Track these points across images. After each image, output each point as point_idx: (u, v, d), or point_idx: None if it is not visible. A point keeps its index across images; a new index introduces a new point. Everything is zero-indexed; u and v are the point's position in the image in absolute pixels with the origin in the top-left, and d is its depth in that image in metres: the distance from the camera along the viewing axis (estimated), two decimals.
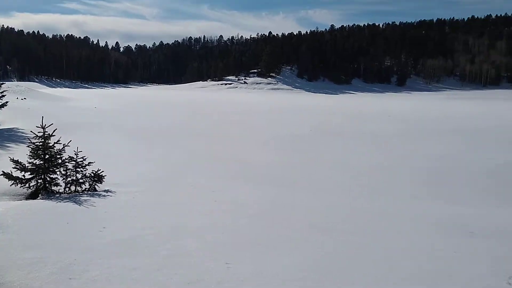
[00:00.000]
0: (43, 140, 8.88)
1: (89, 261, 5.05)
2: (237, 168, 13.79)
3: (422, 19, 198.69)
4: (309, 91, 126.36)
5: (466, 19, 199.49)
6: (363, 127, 27.80)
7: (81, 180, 9.15)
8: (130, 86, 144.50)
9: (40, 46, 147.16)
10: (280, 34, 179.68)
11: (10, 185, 8.64)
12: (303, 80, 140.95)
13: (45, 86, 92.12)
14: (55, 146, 9.00)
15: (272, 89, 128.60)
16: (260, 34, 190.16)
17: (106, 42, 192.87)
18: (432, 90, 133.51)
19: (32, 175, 8.84)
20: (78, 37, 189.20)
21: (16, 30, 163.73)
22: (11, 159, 8.72)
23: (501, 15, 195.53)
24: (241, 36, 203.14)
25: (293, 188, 11.10)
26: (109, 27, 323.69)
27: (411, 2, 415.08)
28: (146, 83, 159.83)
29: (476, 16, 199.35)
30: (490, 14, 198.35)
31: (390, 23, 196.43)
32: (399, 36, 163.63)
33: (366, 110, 47.93)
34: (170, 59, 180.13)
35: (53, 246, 5.51)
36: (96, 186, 9.23)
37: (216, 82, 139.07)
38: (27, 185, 8.78)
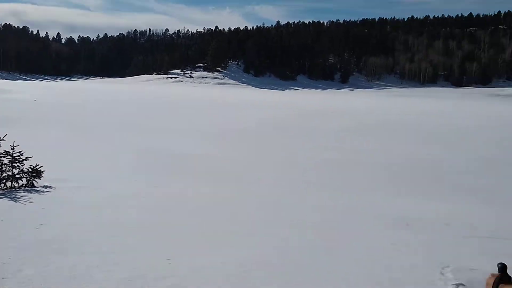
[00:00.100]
0: None
1: (24, 260, 4.85)
2: (181, 162, 13.64)
3: (365, 18, 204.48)
4: (255, 86, 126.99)
5: (406, 19, 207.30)
6: (308, 123, 28.27)
7: (17, 176, 8.78)
8: (72, 79, 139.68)
9: None
10: (226, 29, 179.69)
11: None
12: (250, 75, 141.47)
13: None
14: None
15: (219, 83, 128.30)
16: (206, 28, 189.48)
17: (46, 32, 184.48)
18: (374, 87, 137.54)
19: None
20: (16, 26, 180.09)
21: None
22: None
23: (438, 16, 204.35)
24: (188, 30, 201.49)
25: (238, 183, 11.12)
26: (50, 17, 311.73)
27: (354, 1, 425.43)
28: (90, 76, 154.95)
29: (415, 17, 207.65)
30: (429, 15, 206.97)
31: (334, 21, 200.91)
32: (342, 34, 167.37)
33: (311, 106, 48.77)
34: (115, 52, 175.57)
35: None
36: (34, 181, 8.87)
37: (161, 75, 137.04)
38: None
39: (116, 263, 4.94)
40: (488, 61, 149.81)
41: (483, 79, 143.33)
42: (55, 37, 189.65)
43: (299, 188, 10.84)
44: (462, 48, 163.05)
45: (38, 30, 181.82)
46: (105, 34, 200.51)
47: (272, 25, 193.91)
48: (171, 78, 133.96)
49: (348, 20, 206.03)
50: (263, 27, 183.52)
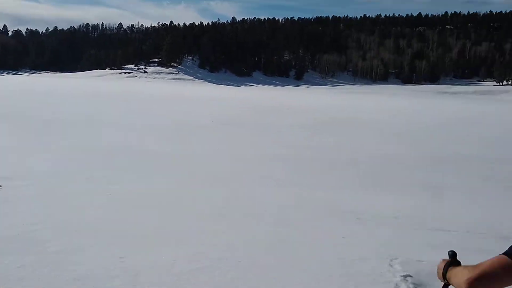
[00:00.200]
0: None
1: None
2: (134, 158, 13.43)
3: (319, 16, 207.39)
4: (211, 82, 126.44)
5: (359, 17, 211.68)
6: (264, 119, 28.41)
7: None
8: (20, 73, 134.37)
9: None
10: (181, 24, 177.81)
11: None
12: (205, 71, 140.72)
13: None
14: None
15: (174, 79, 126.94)
16: (161, 23, 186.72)
17: None
18: (328, 85, 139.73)
19: None
20: None
21: None
22: None
23: (389, 15, 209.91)
24: (142, 25, 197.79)
25: (193, 179, 11.07)
26: None
27: None
28: (39, 71, 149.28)
29: (368, 15, 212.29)
30: (380, 14, 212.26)
31: (289, 18, 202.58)
32: (297, 32, 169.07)
33: (266, 102, 49.04)
34: (65, 45, 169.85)
35: None
36: None
37: (114, 71, 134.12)
38: None
39: (66, 263, 4.83)
40: (436, 59, 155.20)
41: (432, 77, 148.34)
42: (1, 29, 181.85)
43: (253, 183, 10.91)
44: (412, 46, 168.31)
45: None
46: (55, 27, 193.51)
47: (227, 21, 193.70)
48: (125, 73, 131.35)
49: (302, 17, 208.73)
50: (219, 23, 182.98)
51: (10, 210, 6.91)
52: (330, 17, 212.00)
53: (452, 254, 1.94)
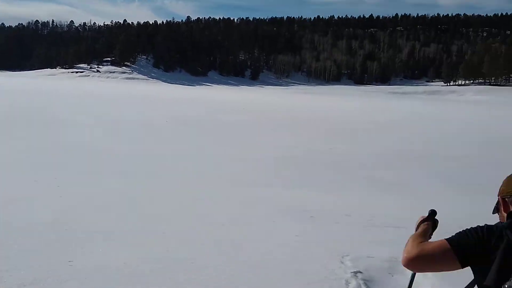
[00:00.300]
0: None
1: None
2: (88, 159, 13.13)
3: (274, 16, 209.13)
4: (165, 81, 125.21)
5: (312, 18, 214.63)
6: (219, 118, 28.41)
7: None
8: None
9: None
10: (135, 23, 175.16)
11: None
12: (160, 71, 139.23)
13: None
14: None
15: (127, 78, 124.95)
16: (114, 21, 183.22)
17: None
18: (283, 85, 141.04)
19: None
20: None
21: None
22: None
23: (342, 16, 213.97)
24: (94, 23, 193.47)
25: (146, 179, 10.94)
26: None
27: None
28: None
29: (321, 16, 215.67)
30: (333, 15, 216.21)
31: (244, 18, 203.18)
32: (252, 32, 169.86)
33: (222, 101, 49.00)
34: (14, 43, 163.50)
35: None
36: None
37: (66, 70, 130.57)
38: None
39: (11, 268, 4.68)
40: (387, 60, 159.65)
41: (383, 78, 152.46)
42: None
43: (208, 183, 10.89)
44: (363, 48, 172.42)
45: None
46: (2, 23, 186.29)
47: (182, 20, 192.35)
48: (77, 72, 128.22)
49: (257, 18, 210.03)
50: (173, 22, 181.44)
51: None
52: (285, 18, 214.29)
53: (432, 212, 2.18)
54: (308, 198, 9.81)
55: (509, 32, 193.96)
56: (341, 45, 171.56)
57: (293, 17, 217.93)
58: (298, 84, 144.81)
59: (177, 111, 32.69)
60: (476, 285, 1.85)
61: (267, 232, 6.77)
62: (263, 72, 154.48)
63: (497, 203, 1.96)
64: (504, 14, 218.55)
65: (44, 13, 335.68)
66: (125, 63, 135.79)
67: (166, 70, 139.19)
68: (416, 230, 2.12)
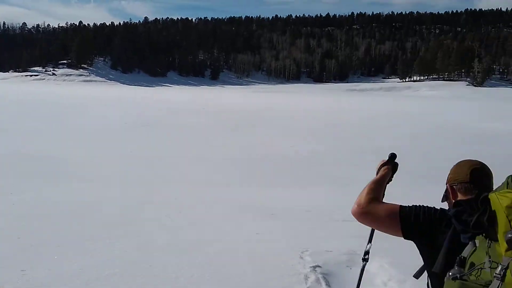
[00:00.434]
0: None
1: None
2: (41, 164, 12.80)
3: (232, 16, 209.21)
4: (124, 83, 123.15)
5: (271, 18, 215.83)
6: (179, 119, 28.23)
7: None
8: None
9: None
10: (91, 24, 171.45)
11: None
12: (118, 72, 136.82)
13: None
14: None
15: (85, 81, 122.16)
16: (69, 23, 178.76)
17: None
18: (243, 84, 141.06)
19: None
20: None
21: None
22: None
23: (300, 16, 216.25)
24: (48, 25, 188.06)
25: (100, 183, 10.75)
26: None
27: None
28: None
29: (279, 16, 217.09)
30: (291, 15, 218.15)
31: (203, 18, 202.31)
32: (211, 31, 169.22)
33: (182, 102, 48.64)
34: None
35: None
36: None
37: (19, 73, 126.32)
38: None
39: None
40: (345, 58, 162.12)
41: (341, 75, 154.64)
42: None
43: (165, 184, 10.85)
44: (321, 46, 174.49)
45: None
46: None
47: (139, 21, 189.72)
48: (31, 75, 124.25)
49: (216, 17, 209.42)
50: (131, 22, 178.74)
51: None
52: (243, 17, 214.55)
53: (391, 156, 2.31)
54: (269, 196, 9.95)
55: (459, 29, 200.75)
56: (300, 44, 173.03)
57: (252, 17, 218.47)
58: (258, 83, 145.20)
59: (136, 113, 32.27)
60: (426, 271, 1.95)
61: (228, 231, 6.84)
62: (223, 71, 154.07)
63: (446, 191, 2.05)
64: (454, 11, 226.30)
65: None
66: (82, 65, 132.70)
67: (124, 72, 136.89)
68: (376, 174, 2.25)
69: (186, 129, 23.92)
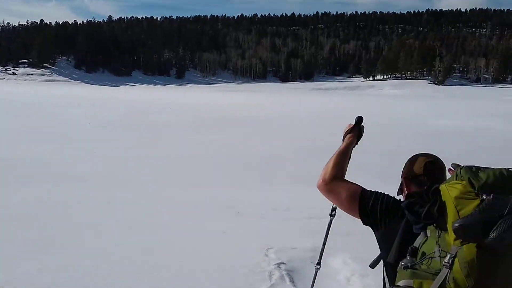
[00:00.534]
0: None
1: None
2: (2, 165, 12.46)
3: (197, 15, 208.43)
4: (88, 83, 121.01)
5: (236, 17, 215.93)
6: (145, 119, 27.90)
7: None
8: None
9: None
10: (53, 23, 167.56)
11: None
12: (81, 72, 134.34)
13: None
14: None
15: (47, 80, 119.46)
16: (30, 21, 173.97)
17: None
18: (209, 83, 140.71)
19: None
20: None
21: None
22: None
23: (265, 15, 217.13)
24: (8, 23, 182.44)
25: (63, 185, 10.51)
26: None
27: None
28: None
29: (244, 15, 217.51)
30: (256, 14, 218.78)
31: (168, 17, 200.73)
32: (176, 30, 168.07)
33: (147, 101, 48.10)
34: None
35: None
36: None
37: None
38: None
39: None
40: (310, 57, 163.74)
41: (306, 75, 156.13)
42: None
43: (131, 184, 10.73)
44: (287, 45, 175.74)
45: None
46: None
47: (103, 19, 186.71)
48: None
49: (181, 16, 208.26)
50: (94, 21, 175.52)
51: None
52: (208, 16, 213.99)
53: (357, 121, 2.37)
54: (236, 195, 9.96)
55: (421, 28, 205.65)
56: (265, 43, 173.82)
57: (217, 16, 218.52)
58: (224, 82, 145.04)
59: (100, 113, 31.72)
60: (382, 261, 2.01)
61: (193, 231, 6.83)
62: (188, 70, 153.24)
63: (401, 184, 2.14)
64: (416, 11, 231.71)
65: None
66: (44, 64, 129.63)
67: (88, 71, 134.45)
68: (343, 140, 2.32)
69: (152, 128, 23.68)
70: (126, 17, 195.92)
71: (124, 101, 49.11)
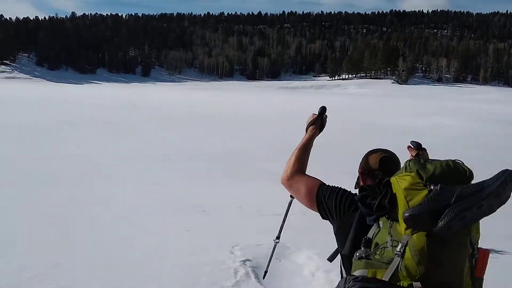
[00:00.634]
0: None
1: None
2: None
3: (164, 12, 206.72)
4: (51, 80, 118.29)
5: (203, 15, 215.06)
6: (109, 117, 27.44)
7: None
8: None
9: None
10: (14, 18, 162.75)
11: None
12: (44, 69, 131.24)
13: None
14: None
15: (7, 78, 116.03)
16: None
17: None
18: (176, 81, 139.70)
19: None
20: None
21: None
22: None
23: (232, 13, 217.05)
24: None
25: (24, 183, 10.22)
26: None
27: None
28: None
29: (211, 13, 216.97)
30: (223, 12, 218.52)
31: (133, 14, 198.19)
32: (142, 28, 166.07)
33: (112, 99, 47.33)
34: None
35: None
36: None
37: None
38: None
39: None
40: (277, 56, 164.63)
41: (273, 73, 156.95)
42: None
43: (94, 183, 10.51)
44: (254, 44, 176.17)
45: None
46: None
47: (66, 16, 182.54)
48: None
49: (147, 14, 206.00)
50: (57, 17, 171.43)
51: None
52: (175, 14, 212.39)
53: (321, 111, 2.49)
54: (202, 193, 9.91)
55: (385, 29, 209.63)
56: (232, 41, 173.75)
57: (183, 13, 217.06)
58: (191, 80, 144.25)
59: (64, 111, 31.00)
60: (339, 254, 2.05)
61: (158, 229, 6.76)
62: (154, 68, 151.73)
63: (358, 178, 2.21)
64: (380, 12, 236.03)
65: None
66: (4, 61, 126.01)
67: (51, 69, 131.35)
68: (306, 131, 2.45)
69: (117, 126, 23.31)
70: (90, 13, 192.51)
71: (89, 98, 48.17)
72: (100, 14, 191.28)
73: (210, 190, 10.34)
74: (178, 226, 6.91)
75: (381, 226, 1.72)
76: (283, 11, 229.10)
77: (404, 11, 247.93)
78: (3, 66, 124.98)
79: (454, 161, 1.61)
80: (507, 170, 1.53)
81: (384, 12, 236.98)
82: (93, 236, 6.31)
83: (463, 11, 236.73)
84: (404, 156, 2.14)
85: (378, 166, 2.10)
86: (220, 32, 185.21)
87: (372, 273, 1.58)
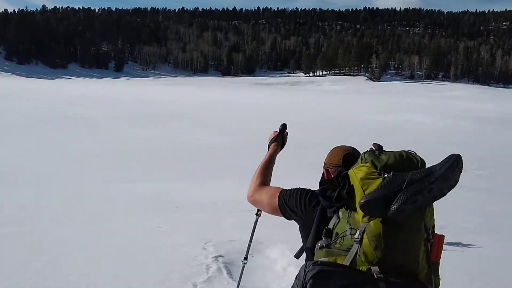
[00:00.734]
0: None
1: None
2: None
3: (137, 7, 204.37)
4: (20, 75, 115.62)
5: (177, 9, 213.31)
6: (81, 113, 27.02)
7: None
8: None
9: None
10: None
11: None
12: (13, 63, 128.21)
13: None
14: None
15: None
16: None
17: None
18: (150, 76, 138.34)
19: None
20: None
21: None
22: None
23: (206, 8, 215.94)
24: None
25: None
26: None
27: None
28: None
29: (186, 8, 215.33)
30: (198, 7, 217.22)
31: (106, 8, 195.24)
32: (115, 22, 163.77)
33: (84, 95, 46.58)
34: None
35: None
36: None
37: None
38: None
39: None
40: (252, 52, 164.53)
41: (248, 69, 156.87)
42: None
43: (67, 180, 10.36)
44: (229, 39, 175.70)
45: None
46: None
47: (37, 9, 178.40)
48: None
49: (120, 8, 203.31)
50: (27, 10, 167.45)
51: None
52: (149, 8, 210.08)
53: (281, 129, 2.63)
54: (174, 189, 9.86)
55: (359, 26, 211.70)
56: (207, 37, 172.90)
57: (157, 8, 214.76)
58: (165, 75, 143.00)
59: (34, 107, 30.34)
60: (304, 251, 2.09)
61: (130, 226, 6.70)
62: (128, 63, 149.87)
63: (323, 174, 2.27)
64: (354, 9, 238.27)
65: None
66: None
67: (20, 63, 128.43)
68: (268, 147, 2.56)
69: (89, 123, 22.96)
70: (62, 7, 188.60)
71: (60, 94, 47.32)
72: (71, 7, 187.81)
73: (184, 187, 10.29)
74: (150, 223, 6.86)
75: (340, 216, 1.77)
76: (258, 7, 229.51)
77: (377, 8, 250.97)
78: None
79: (407, 152, 1.68)
80: (454, 154, 1.59)
81: (358, 9, 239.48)
82: (63, 234, 6.21)
83: (435, 10, 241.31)
84: None
85: (342, 162, 2.16)
86: (195, 28, 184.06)
87: (332, 260, 1.64)
